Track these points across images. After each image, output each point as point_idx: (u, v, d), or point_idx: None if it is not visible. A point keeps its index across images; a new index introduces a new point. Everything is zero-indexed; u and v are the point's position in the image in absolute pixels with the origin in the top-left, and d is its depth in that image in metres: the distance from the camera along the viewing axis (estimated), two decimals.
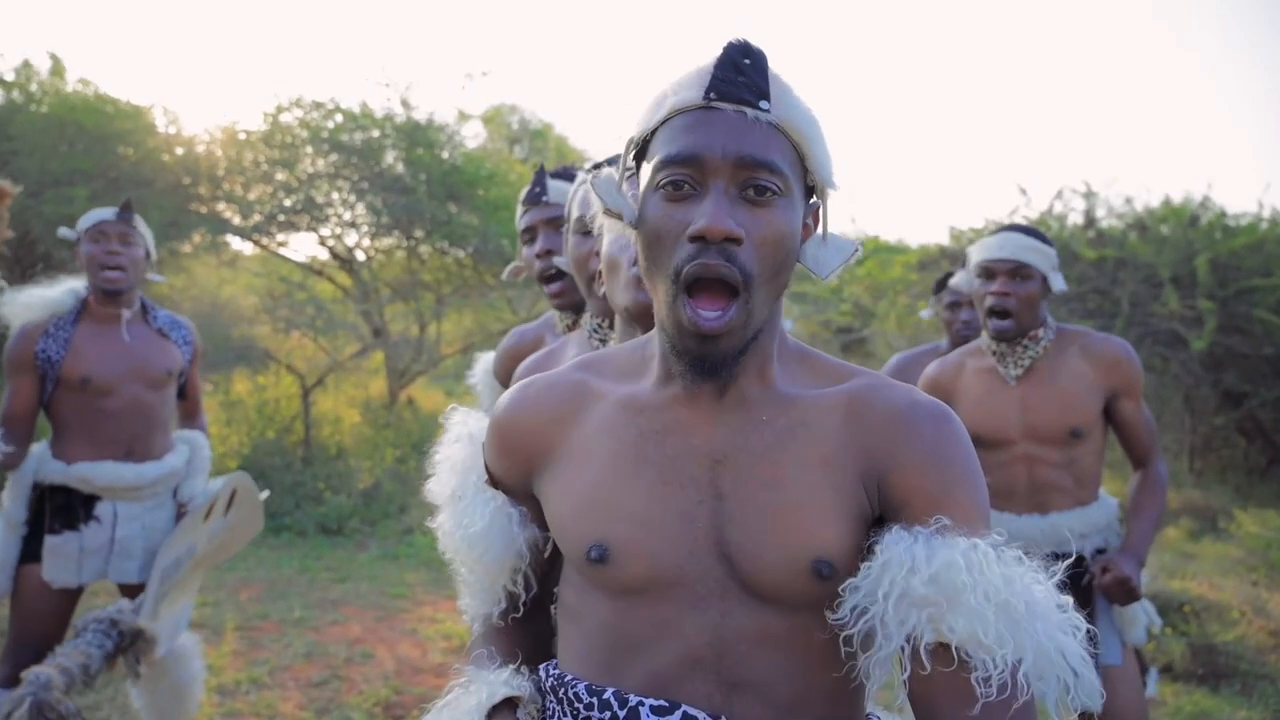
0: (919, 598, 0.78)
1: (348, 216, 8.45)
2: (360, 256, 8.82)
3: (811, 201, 0.91)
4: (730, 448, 0.88)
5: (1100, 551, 2.02)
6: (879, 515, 0.87)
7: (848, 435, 0.87)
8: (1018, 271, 2.02)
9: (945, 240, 11.13)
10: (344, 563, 5.31)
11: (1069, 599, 0.85)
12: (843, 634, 0.82)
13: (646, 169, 0.88)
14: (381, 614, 4.45)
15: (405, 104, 8.76)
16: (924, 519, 0.82)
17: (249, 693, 3.39)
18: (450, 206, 8.50)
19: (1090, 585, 1.96)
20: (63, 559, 2.35)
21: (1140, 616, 1.97)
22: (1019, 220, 10.47)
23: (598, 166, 1.34)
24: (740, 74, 0.84)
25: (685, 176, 0.84)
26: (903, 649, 0.80)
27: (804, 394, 0.90)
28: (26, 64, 9.55)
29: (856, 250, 0.90)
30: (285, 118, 8.47)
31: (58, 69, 9.76)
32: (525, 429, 0.97)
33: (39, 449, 2.46)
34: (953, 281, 2.89)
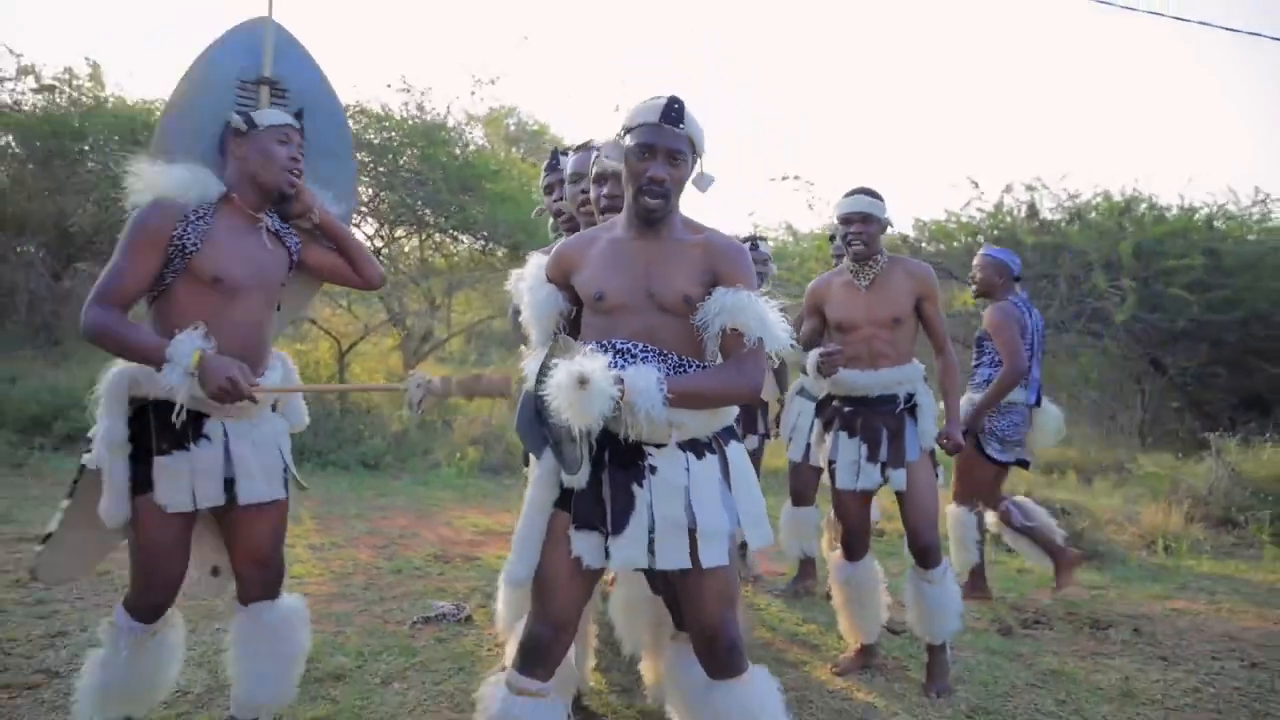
0: (728, 310, 1.86)
1: (370, 208, 9.53)
2: (380, 244, 9.92)
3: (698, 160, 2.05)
4: (654, 256, 1.96)
5: (910, 395, 3.14)
6: (712, 285, 1.95)
7: (702, 254, 1.96)
8: (865, 219, 3.15)
9: (909, 230, 12.25)
10: (384, 486, 6.43)
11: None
12: (695, 325, 1.92)
13: (629, 140, 1.97)
14: (420, 513, 5.57)
15: (420, 108, 9.81)
16: (731, 285, 1.93)
17: (332, 549, 4.51)
18: (462, 198, 9.60)
19: (901, 413, 3.10)
20: (175, 480, 2.08)
21: (931, 430, 3.11)
22: (973, 212, 11.59)
23: (582, 146, 2.66)
24: (672, 111, 1.94)
25: (646, 151, 1.94)
26: (720, 332, 1.89)
27: (687, 237, 2.00)
28: (68, 70, 10.62)
29: (713, 180, 2.02)
30: None
31: (96, 74, 10.83)
32: (569, 254, 2.06)
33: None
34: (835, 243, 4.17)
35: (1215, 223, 10.55)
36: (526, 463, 2.60)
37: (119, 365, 2.10)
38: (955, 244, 11.71)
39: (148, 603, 2.16)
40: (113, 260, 2.05)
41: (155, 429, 2.09)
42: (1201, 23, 12.59)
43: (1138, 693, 3.16)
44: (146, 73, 31.19)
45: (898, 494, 3.10)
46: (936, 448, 3.17)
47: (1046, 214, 11.28)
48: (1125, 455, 9.75)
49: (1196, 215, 10.44)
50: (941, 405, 3.27)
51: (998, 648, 3.61)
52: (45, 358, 8.63)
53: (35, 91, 10.34)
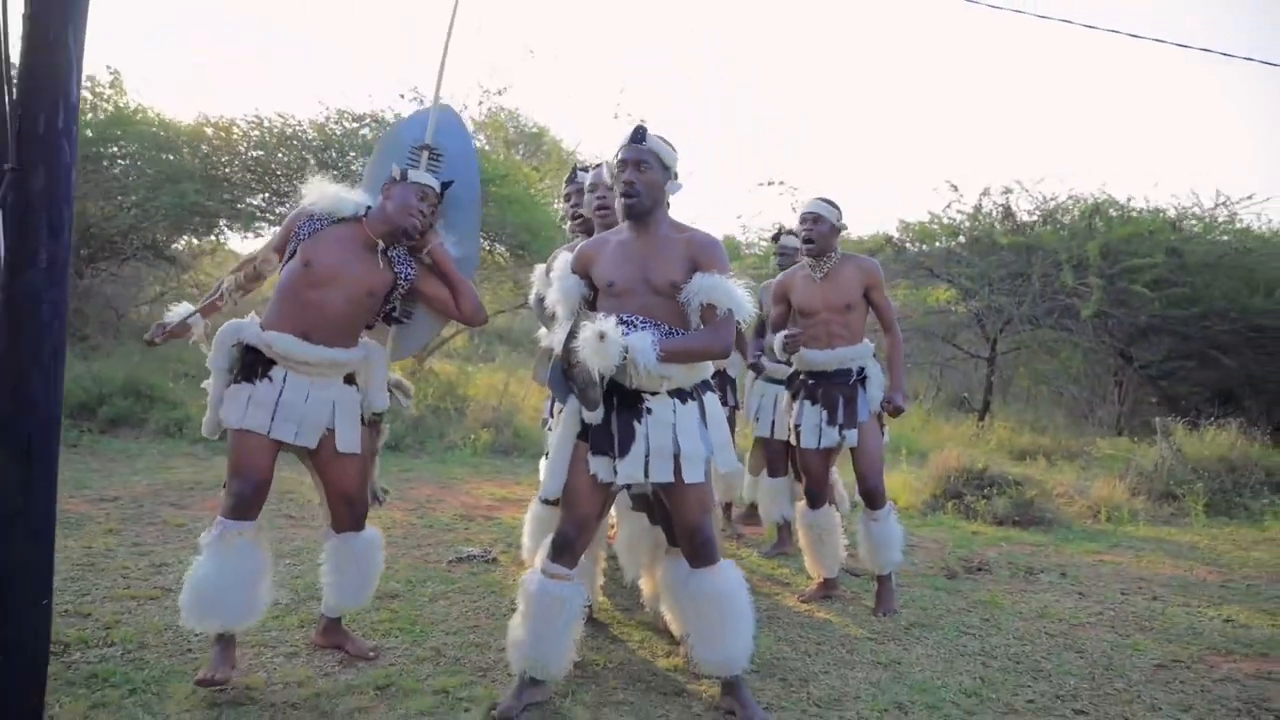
0: (704, 289, 2.49)
1: None
2: None
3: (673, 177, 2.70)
4: (647, 252, 2.59)
5: (861, 369, 3.79)
6: (693, 271, 2.59)
7: (685, 247, 2.59)
8: (816, 219, 3.81)
9: (894, 230, 12.89)
10: (406, 463, 7.08)
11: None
12: (681, 302, 2.57)
13: (613, 161, 2.65)
14: (443, 484, 6.23)
15: None
16: (707, 270, 2.58)
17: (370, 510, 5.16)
18: None
19: (854, 384, 3.75)
20: (234, 403, 2.71)
21: (878, 397, 3.77)
22: (953, 214, 12.22)
23: (599, 166, 3.22)
24: (637, 133, 2.61)
25: (621, 165, 2.60)
26: (700, 306, 2.53)
27: (673, 235, 2.63)
28: (90, 78, 11.23)
29: (681, 186, 2.68)
30: (333, 127, 10.25)
31: (117, 82, 11.44)
32: (589, 253, 2.70)
33: (250, 317, 2.81)
34: (783, 239, 4.83)
35: (1184, 223, 11.17)
36: (552, 413, 3.26)
37: (231, 320, 2.80)
38: (937, 244, 12.36)
39: (235, 493, 2.63)
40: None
41: (239, 365, 2.76)
42: (1225, 54, 13.08)
43: (1050, 615, 3.83)
44: (158, 78, 31.91)
45: (851, 449, 3.76)
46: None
47: (1024, 216, 11.93)
48: (1088, 442, 10.37)
49: (1162, 215, 11.07)
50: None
51: (941, 586, 4.27)
52: (73, 351, 9.26)
53: None
